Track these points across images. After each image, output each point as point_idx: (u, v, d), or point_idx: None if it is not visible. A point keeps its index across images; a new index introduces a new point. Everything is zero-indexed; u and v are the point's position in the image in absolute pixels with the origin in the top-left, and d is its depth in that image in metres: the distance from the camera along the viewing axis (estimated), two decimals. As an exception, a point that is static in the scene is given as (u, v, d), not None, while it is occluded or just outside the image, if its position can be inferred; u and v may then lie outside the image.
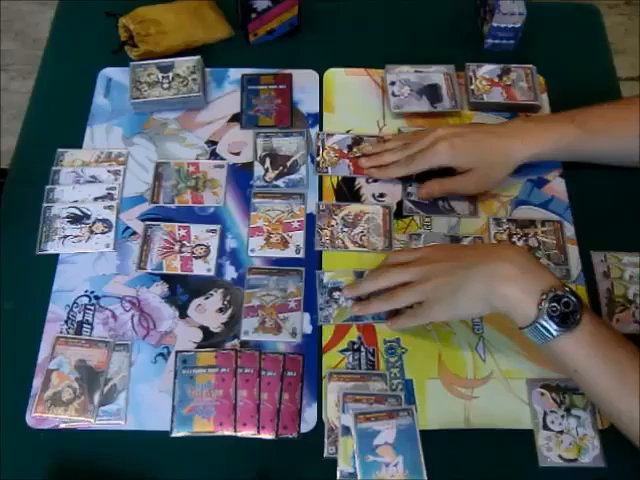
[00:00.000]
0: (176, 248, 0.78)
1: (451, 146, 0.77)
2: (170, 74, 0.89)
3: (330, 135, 0.86)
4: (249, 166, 0.84)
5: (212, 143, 0.86)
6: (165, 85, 0.88)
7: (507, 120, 0.86)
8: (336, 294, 0.75)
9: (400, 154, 0.81)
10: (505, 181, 0.81)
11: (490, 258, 0.65)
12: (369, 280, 0.73)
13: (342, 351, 0.72)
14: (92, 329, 0.73)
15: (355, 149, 0.85)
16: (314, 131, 0.87)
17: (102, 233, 0.79)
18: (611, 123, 0.78)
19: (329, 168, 0.84)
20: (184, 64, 0.89)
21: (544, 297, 0.60)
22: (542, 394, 0.70)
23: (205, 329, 0.74)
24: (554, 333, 0.60)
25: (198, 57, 0.89)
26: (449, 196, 0.82)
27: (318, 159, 0.84)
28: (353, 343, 0.73)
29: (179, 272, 0.77)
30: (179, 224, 0.80)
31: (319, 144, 0.85)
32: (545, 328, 0.60)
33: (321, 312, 0.74)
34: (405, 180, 0.83)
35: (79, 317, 0.74)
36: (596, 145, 0.78)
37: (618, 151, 0.79)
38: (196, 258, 0.77)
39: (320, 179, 0.83)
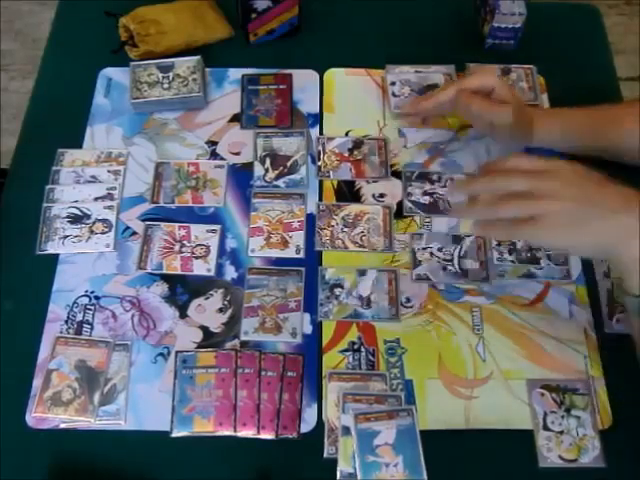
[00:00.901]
0: (176, 248, 0.78)
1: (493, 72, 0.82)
2: (170, 74, 0.89)
3: (330, 139, 0.86)
4: (249, 166, 0.84)
5: (212, 143, 0.86)
6: (165, 85, 0.88)
7: None
8: (337, 290, 0.75)
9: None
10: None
11: (631, 210, 0.57)
12: (484, 180, 0.64)
13: (342, 351, 0.72)
14: (92, 329, 0.73)
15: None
16: (314, 131, 0.87)
17: (102, 233, 0.79)
18: (620, 115, 0.79)
19: (331, 172, 0.84)
20: (184, 64, 0.89)
21: None
22: (542, 394, 0.70)
23: (205, 329, 0.74)
24: None
25: (198, 57, 0.89)
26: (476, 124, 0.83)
27: (319, 163, 0.84)
28: (353, 343, 0.73)
29: (179, 272, 0.77)
30: (179, 224, 0.80)
31: (320, 148, 0.85)
32: None
33: (321, 308, 0.74)
34: (405, 180, 0.83)
35: (79, 317, 0.74)
36: (602, 132, 0.79)
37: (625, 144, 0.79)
38: (196, 258, 0.77)
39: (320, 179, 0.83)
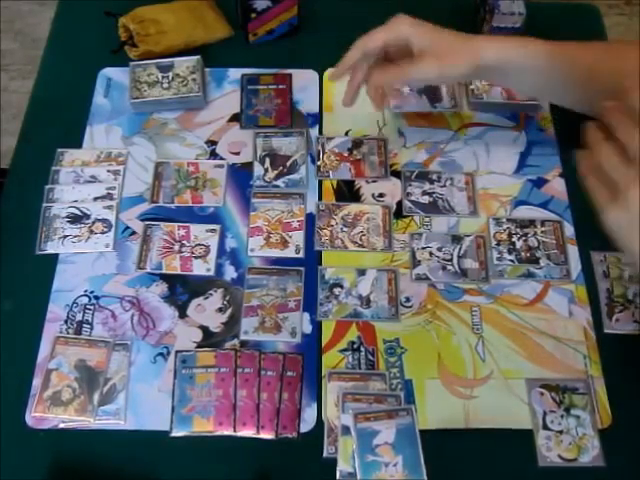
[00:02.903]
0: (176, 248, 0.78)
1: (411, 21, 0.70)
2: (170, 74, 0.89)
3: (330, 139, 0.86)
4: (249, 166, 0.84)
5: (212, 143, 0.86)
6: (165, 85, 0.88)
7: None
8: (336, 290, 0.75)
9: None
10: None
11: None
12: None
13: (342, 351, 0.72)
14: (92, 329, 0.73)
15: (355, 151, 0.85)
16: (314, 131, 0.87)
17: (102, 233, 0.79)
18: (583, 53, 0.71)
19: (330, 172, 0.84)
20: (184, 64, 0.89)
21: None
22: (542, 394, 0.70)
23: (205, 329, 0.74)
24: None
25: (198, 57, 0.90)
26: (411, 85, 0.80)
27: (319, 163, 0.84)
28: (353, 343, 0.73)
29: (179, 272, 0.77)
30: (179, 224, 0.80)
31: (319, 148, 0.85)
32: None
33: (321, 307, 0.74)
34: (405, 180, 0.83)
35: (79, 317, 0.74)
36: (561, 71, 0.71)
37: (585, 85, 0.71)
38: (196, 258, 0.77)
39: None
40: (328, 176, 0.83)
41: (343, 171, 0.84)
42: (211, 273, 0.76)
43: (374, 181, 0.83)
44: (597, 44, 0.74)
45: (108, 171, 0.83)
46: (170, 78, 0.89)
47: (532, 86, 0.75)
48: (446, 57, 0.70)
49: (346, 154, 0.85)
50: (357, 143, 0.86)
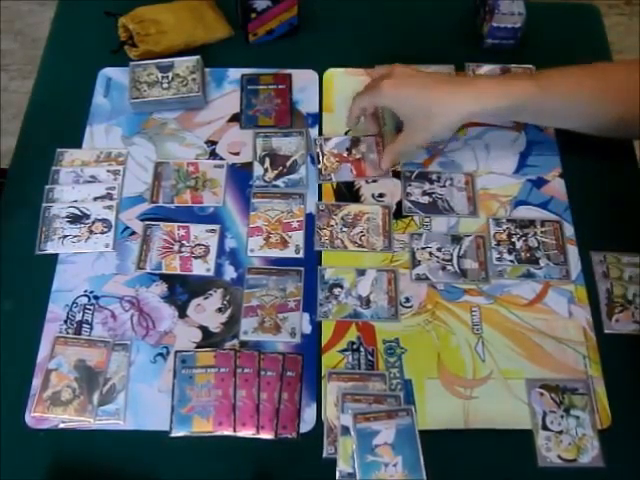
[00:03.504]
0: (175, 248, 0.78)
1: (394, 86, 0.74)
2: (170, 74, 0.89)
3: (327, 139, 0.86)
4: (248, 166, 0.84)
5: (211, 143, 0.86)
6: (165, 85, 0.88)
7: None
8: (336, 290, 0.75)
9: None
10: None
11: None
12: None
13: (341, 351, 0.72)
14: (91, 329, 0.73)
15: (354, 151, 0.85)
16: (314, 131, 0.87)
17: (101, 233, 0.79)
18: (569, 87, 0.75)
19: (332, 175, 0.83)
20: (184, 64, 0.89)
21: None
22: (541, 394, 0.70)
23: (204, 329, 0.74)
24: None
25: (198, 57, 0.89)
26: (404, 158, 0.83)
27: (320, 166, 0.84)
28: (352, 343, 0.73)
29: (178, 272, 0.77)
30: (178, 224, 0.80)
31: (318, 150, 0.85)
32: None
33: (320, 308, 0.74)
34: (405, 180, 0.83)
35: (78, 317, 0.74)
36: (552, 109, 0.76)
37: (571, 118, 0.77)
38: (195, 258, 0.77)
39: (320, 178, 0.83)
40: (330, 179, 0.83)
41: (344, 172, 0.84)
42: (211, 273, 0.76)
43: (374, 181, 0.83)
44: (577, 69, 0.77)
45: (108, 171, 0.83)
46: (170, 78, 0.89)
47: (527, 120, 0.81)
48: (431, 123, 0.75)
49: (345, 154, 0.85)
50: (355, 142, 0.85)
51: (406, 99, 0.75)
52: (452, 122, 0.75)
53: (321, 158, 0.84)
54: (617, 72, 0.76)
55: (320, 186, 0.83)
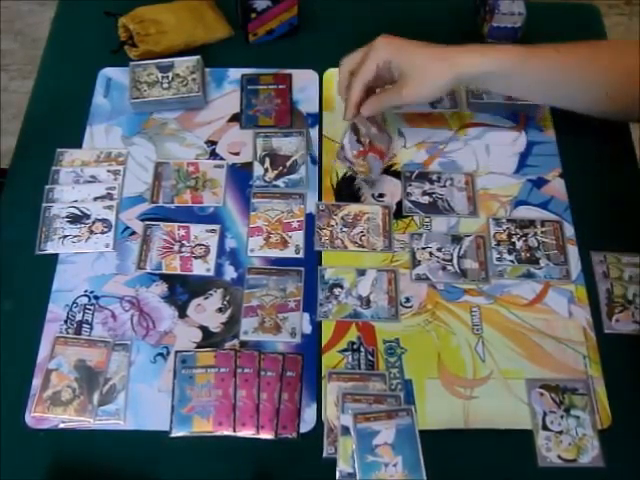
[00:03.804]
0: (175, 248, 0.78)
1: (389, 42, 0.74)
2: (170, 74, 0.89)
3: (341, 147, 0.80)
4: (249, 166, 0.84)
5: (212, 143, 0.86)
6: (165, 85, 0.88)
7: None
8: (336, 290, 0.75)
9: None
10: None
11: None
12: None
13: (341, 351, 0.72)
14: (91, 329, 0.73)
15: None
16: (314, 131, 0.87)
17: (102, 233, 0.79)
18: (557, 58, 0.75)
19: (372, 175, 0.80)
20: (184, 64, 0.89)
21: None
22: (541, 394, 0.70)
23: (204, 329, 0.74)
24: None
25: (198, 57, 0.90)
26: (389, 110, 0.83)
27: (359, 177, 0.81)
28: (352, 343, 0.73)
29: (178, 272, 0.77)
30: (179, 224, 0.80)
31: (348, 164, 0.80)
32: None
33: (320, 308, 0.74)
34: (405, 180, 0.83)
35: (78, 317, 0.74)
36: (538, 78, 0.75)
37: (559, 89, 0.78)
38: (196, 258, 0.77)
39: (320, 179, 0.83)
40: (373, 183, 0.82)
41: (375, 166, 0.80)
42: (211, 273, 0.76)
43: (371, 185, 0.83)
44: (569, 45, 0.76)
45: (108, 171, 0.83)
46: (170, 78, 0.89)
47: (514, 90, 0.80)
48: (426, 78, 0.74)
49: (361, 148, 0.82)
50: (354, 128, 0.83)
51: (403, 51, 0.74)
52: (445, 82, 0.74)
53: (355, 168, 0.80)
54: (603, 51, 0.76)
55: (320, 186, 0.83)
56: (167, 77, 0.89)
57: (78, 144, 0.86)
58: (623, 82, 0.74)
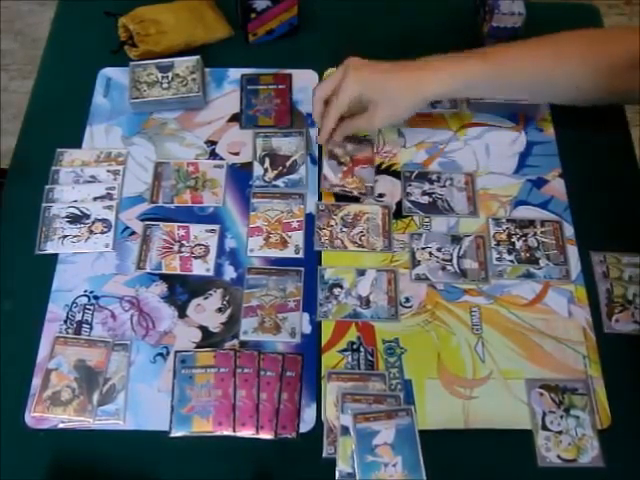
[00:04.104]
0: (175, 248, 0.78)
1: (358, 78, 0.75)
2: (170, 74, 0.89)
3: (326, 179, 0.82)
4: (248, 166, 0.84)
5: (211, 143, 0.86)
6: (165, 85, 0.88)
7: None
8: (336, 290, 0.75)
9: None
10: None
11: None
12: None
13: (341, 351, 0.72)
14: (91, 329, 0.73)
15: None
16: (314, 131, 0.87)
17: (101, 233, 0.79)
18: (521, 61, 0.77)
19: (370, 187, 0.82)
20: (183, 64, 0.89)
21: None
22: (541, 394, 0.70)
23: (204, 329, 0.74)
24: None
25: (197, 57, 0.90)
26: (352, 137, 0.84)
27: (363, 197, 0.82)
28: (352, 343, 0.73)
29: (178, 272, 0.77)
30: (178, 224, 0.80)
31: (344, 190, 0.82)
32: None
33: (320, 308, 0.74)
34: (405, 180, 0.83)
35: (78, 317, 0.74)
36: (506, 83, 0.78)
37: (529, 89, 0.80)
38: (195, 258, 0.77)
39: (319, 178, 0.83)
40: (374, 193, 0.82)
41: (366, 172, 0.83)
42: (211, 273, 0.76)
43: (375, 181, 0.83)
44: (530, 42, 0.78)
45: (108, 171, 0.83)
46: (170, 78, 0.89)
47: (487, 95, 0.83)
48: (397, 106, 0.78)
49: (345, 168, 0.84)
50: (333, 155, 0.84)
51: (372, 84, 0.76)
52: (416, 104, 0.78)
53: (347, 188, 0.82)
54: (570, 42, 0.77)
55: (320, 186, 0.83)
56: (167, 77, 0.89)
57: (78, 144, 0.86)
58: (591, 74, 0.75)
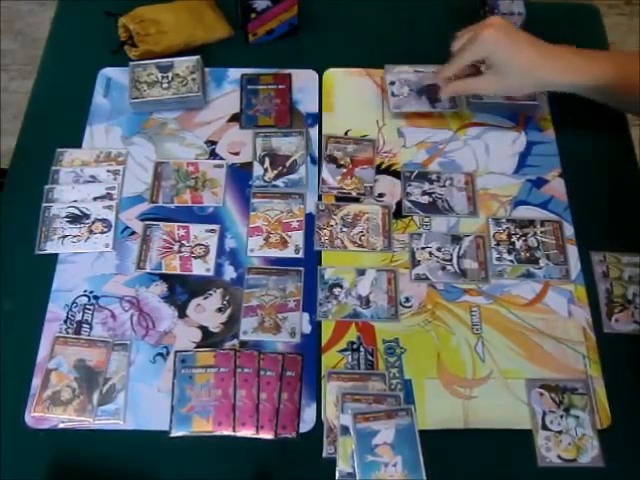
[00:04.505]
0: (175, 248, 0.78)
1: (496, 38, 0.75)
2: (170, 74, 0.89)
3: (323, 182, 0.83)
4: (248, 166, 0.84)
5: (211, 143, 0.86)
6: (165, 85, 0.88)
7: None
8: (336, 290, 0.75)
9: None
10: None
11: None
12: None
13: (341, 351, 0.72)
14: (91, 329, 0.73)
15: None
16: (314, 131, 0.87)
17: (101, 233, 0.79)
18: None
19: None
20: (183, 64, 0.89)
21: None
22: (541, 394, 0.70)
23: (204, 329, 0.74)
24: None
25: (197, 57, 0.90)
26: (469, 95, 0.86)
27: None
28: (352, 343, 0.73)
29: (178, 272, 0.77)
30: (178, 224, 0.80)
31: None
32: None
33: (320, 307, 0.74)
34: (405, 180, 0.83)
35: (78, 317, 0.74)
36: (627, 92, 0.77)
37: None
38: (195, 258, 0.77)
39: (319, 178, 0.83)
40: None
41: (366, 174, 0.83)
42: (211, 273, 0.76)
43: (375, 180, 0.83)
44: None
45: (108, 171, 0.83)
46: (170, 78, 0.89)
47: (600, 99, 0.81)
48: (512, 85, 0.79)
49: (345, 170, 0.84)
50: (332, 158, 0.85)
51: (502, 53, 0.76)
52: (539, 87, 0.81)
53: (346, 190, 0.82)
54: None
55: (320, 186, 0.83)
56: (167, 77, 0.89)
57: (78, 144, 0.86)
58: None
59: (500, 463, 0.68)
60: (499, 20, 0.77)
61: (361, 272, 0.77)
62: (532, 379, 0.71)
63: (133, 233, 0.79)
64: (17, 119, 0.90)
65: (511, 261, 0.78)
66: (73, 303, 0.75)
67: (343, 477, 0.65)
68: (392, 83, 0.89)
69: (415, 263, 0.78)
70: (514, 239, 0.79)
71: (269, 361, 0.71)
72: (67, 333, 0.73)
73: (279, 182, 0.83)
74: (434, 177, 0.83)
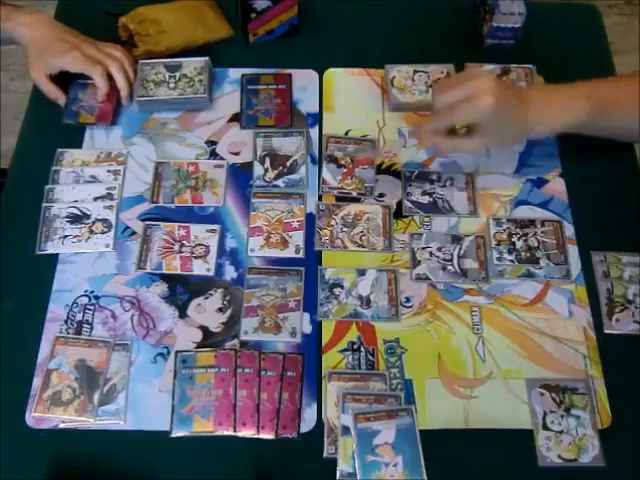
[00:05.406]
0: (176, 248, 0.78)
1: (495, 107, 0.71)
2: (177, 74, 0.89)
3: (324, 182, 0.82)
4: (249, 166, 0.84)
5: (212, 143, 0.86)
6: (171, 85, 0.88)
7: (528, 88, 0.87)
8: (337, 290, 0.75)
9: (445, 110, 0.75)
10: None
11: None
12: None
13: (342, 351, 0.72)
14: (92, 329, 0.73)
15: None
16: (314, 131, 0.87)
17: (102, 233, 0.79)
18: (620, 101, 0.76)
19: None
20: (192, 65, 0.89)
21: None
22: (542, 394, 0.70)
23: (205, 329, 0.74)
24: None
25: (206, 58, 0.89)
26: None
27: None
28: (353, 343, 0.73)
29: (179, 272, 0.77)
30: (179, 224, 0.80)
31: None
32: None
33: (321, 307, 0.74)
34: (405, 180, 0.83)
35: (79, 317, 0.74)
36: (605, 123, 0.78)
37: (623, 128, 0.79)
38: (196, 258, 0.77)
39: (319, 178, 0.83)
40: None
41: (366, 173, 0.83)
42: (211, 273, 0.76)
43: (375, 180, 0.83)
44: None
45: (108, 171, 0.83)
46: (177, 78, 0.88)
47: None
48: (504, 142, 0.79)
49: (345, 170, 0.84)
50: (333, 158, 0.85)
51: (501, 118, 0.73)
52: (523, 138, 0.83)
53: (347, 189, 0.82)
54: None
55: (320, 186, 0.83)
56: (174, 77, 0.88)
57: (78, 144, 0.86)
58: None
59: (501, 463, 0.68)
60: (492, 82, 0.71)
61: (362, 272, 0.77)
62: (533, 379, 0.71)
63: (133, 233, 0.79)
64: (17, 119, 0.90)
65: (512, 261, 0.78)
66: (74, 303, 0.75)
67: (344, 477, 0.65)
68: (393, 77, 0.90)
69: (416, 263, 0.78)
70: (514, 239, 0.79)
71: (270, 361, 0.71)
72: (68, 333, 0.73)
73: (279, 182, 0.83)
74: (434, 177, 0.83)
